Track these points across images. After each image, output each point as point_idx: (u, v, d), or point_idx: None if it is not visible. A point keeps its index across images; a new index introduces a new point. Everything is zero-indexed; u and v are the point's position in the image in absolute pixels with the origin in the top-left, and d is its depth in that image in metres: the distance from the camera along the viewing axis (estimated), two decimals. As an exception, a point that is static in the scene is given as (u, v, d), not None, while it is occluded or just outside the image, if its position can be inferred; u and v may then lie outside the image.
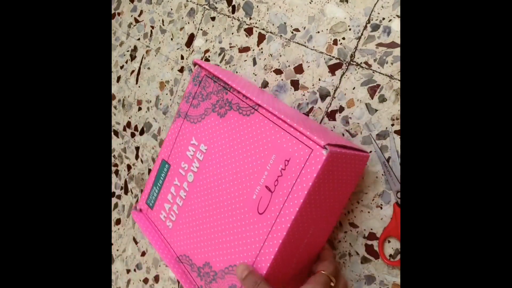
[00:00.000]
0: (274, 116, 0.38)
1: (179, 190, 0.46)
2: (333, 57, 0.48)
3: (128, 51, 0.73)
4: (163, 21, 0.67)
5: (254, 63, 0.55)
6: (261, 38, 0.54)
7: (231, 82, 0.42)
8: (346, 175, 0.37)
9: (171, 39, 0.66)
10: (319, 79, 0.49)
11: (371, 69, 0.45)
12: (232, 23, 0.58)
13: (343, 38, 0.47)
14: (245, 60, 0.56)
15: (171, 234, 0.46)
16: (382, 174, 0.43)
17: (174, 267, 0.44)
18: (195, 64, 0.47)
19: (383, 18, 0.44)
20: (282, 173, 0.36)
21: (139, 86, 0.71)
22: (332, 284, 0.38)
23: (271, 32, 0.53)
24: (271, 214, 0.36)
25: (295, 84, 0.51)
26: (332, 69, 0.48)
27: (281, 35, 0.52)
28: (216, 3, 0.60)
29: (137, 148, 0.70)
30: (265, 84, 0.53)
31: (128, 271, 0.69)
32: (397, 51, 0.43)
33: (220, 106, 0.43)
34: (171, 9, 0.66)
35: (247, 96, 0.40)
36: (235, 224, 0.39)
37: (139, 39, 0.71)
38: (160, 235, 0.48)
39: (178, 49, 0.65)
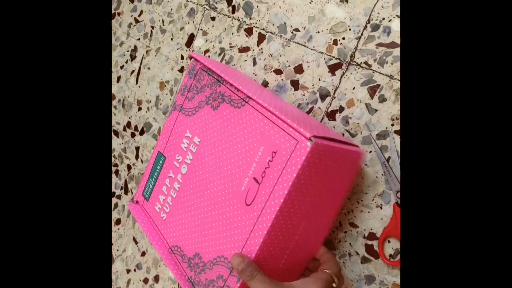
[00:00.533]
0: (264, 108, 0.38)
1: (173, 182, 0.46)
2: (333, 57, 0.48)
3: (128, 51, 0.73)
4: (163, 21, 0.67)
5: (254, 63, 0.55)
6: (261, 38, 0.54)
7: (224, 74, 0.42)
8: (337, 170, 0.37)
9: (171, 39, 0.66)
10: (319, 79, 0.49)
11: (371, 69, 0.45)
12: (232, 23, 0.58)
13: (343, 38, 0.47)
14: (245, 60, 0.56)
15: (164, 225, 0.46)
16: (382, 174, 0.43)
17: (167, 258, 0.44)
18: (191, 57, 0.47)
19: (383, 18, 0.44)
20: (269, 164, 0.36)
21: (139, 86, 0.71)
22: (334, 285, 0.37)
23: (271, 32, 0.53)
24: (258, 206, 0.36)
25: (295, 84, 0.51)
26: (332, 69, 0.48)
27: (281, 35, 0.52)
28: (216, 3, 0.60)
29: (137, 148, 0.70)
30: (265, 84, 0.53)
31: (128, 271, 0.69)
32: (397, 51, 0.43)
33: (214, 99, 0.43)
34: (171, 9, 0.66)
35: (238, 89, 0.40)
36: (224, 215, 0.39)
37: (139, 39, 0.71)
38: (155, 227, 0.48)
39: (178, 49, 0.65)
